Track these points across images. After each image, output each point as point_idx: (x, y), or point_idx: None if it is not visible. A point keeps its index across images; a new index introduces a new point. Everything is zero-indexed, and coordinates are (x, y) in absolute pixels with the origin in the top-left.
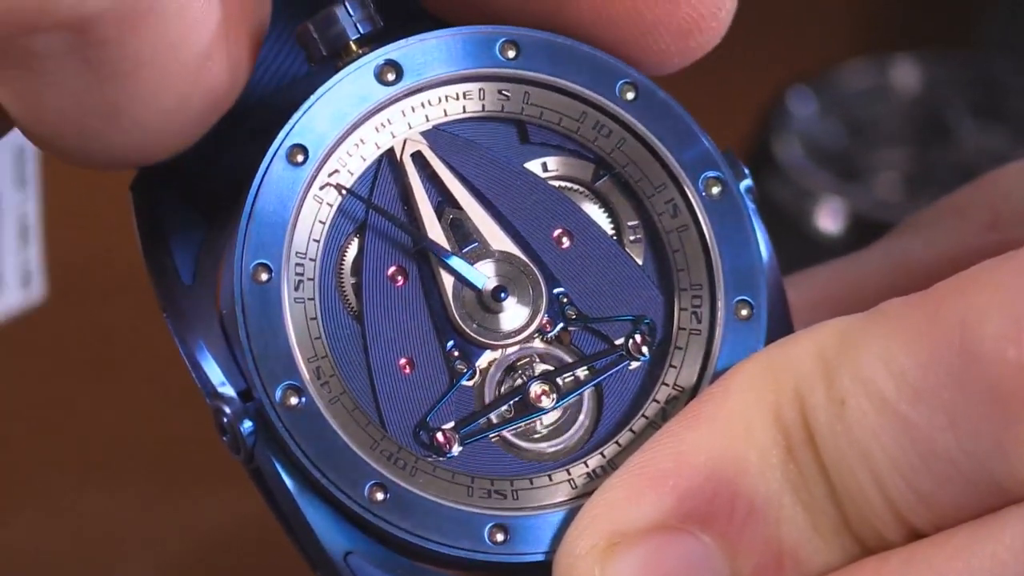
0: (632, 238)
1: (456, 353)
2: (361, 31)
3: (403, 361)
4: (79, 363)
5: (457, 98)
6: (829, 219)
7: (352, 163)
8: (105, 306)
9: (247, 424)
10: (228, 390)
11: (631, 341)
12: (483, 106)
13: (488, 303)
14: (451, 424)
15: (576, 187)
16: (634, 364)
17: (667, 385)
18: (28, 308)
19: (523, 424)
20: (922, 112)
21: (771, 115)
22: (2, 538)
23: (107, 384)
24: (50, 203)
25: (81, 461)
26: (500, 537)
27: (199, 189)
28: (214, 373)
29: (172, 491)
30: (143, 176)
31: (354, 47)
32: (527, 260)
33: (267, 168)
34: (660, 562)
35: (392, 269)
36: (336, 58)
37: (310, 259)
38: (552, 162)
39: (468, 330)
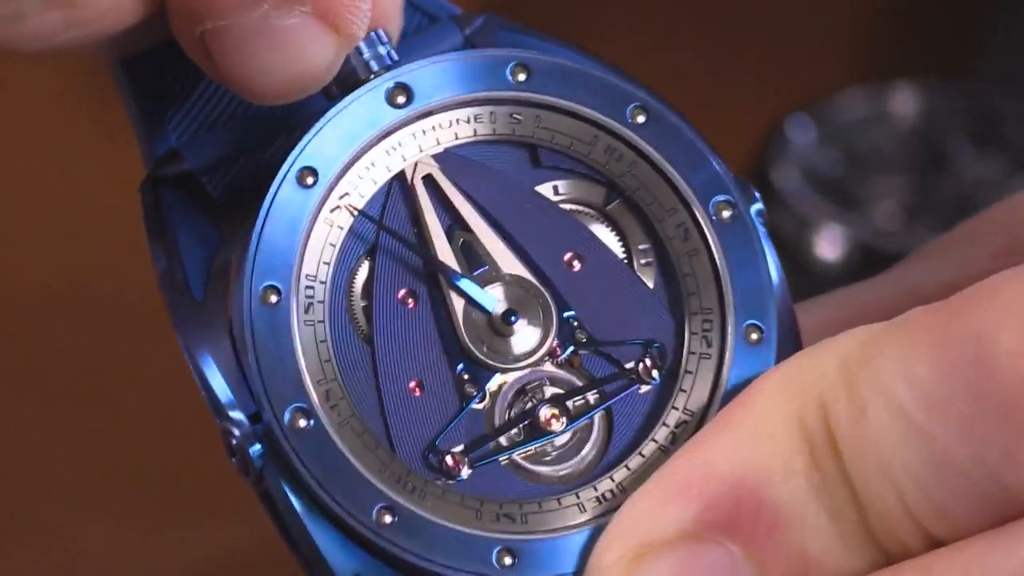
0: (643, 261)
1: (466, 376)
2: (375, 68)
3: (413, 384)
4: (74, 396)
5: (468, 121)
6: (828, 247)
7: (363, 186)
8: (96, 337)
9: (256, 447)
10: (237, 412)
11: (641, 365)
12: (494, 129)
13: (498, 326)
14: (460, 447)
15: (587, 210)
16: (644, 388)
17: (677, 409)
18: None
19: (533, 447)
20: (921, 140)
21: (770, 143)
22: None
23: (102, 417)
24: None
25: (77, 494)
26: (508, 561)
27: (209, 197)
28: (223, 391)
29: (169, 522)
30: (151, 179)
31: (369, 79)
32: (537, 283)
33: (276, 190)
34: (688, 571)
35: (403, 292)
36: (350, 91)
37: (320, 282)
38: (563, 185)
39: (478, 353)
